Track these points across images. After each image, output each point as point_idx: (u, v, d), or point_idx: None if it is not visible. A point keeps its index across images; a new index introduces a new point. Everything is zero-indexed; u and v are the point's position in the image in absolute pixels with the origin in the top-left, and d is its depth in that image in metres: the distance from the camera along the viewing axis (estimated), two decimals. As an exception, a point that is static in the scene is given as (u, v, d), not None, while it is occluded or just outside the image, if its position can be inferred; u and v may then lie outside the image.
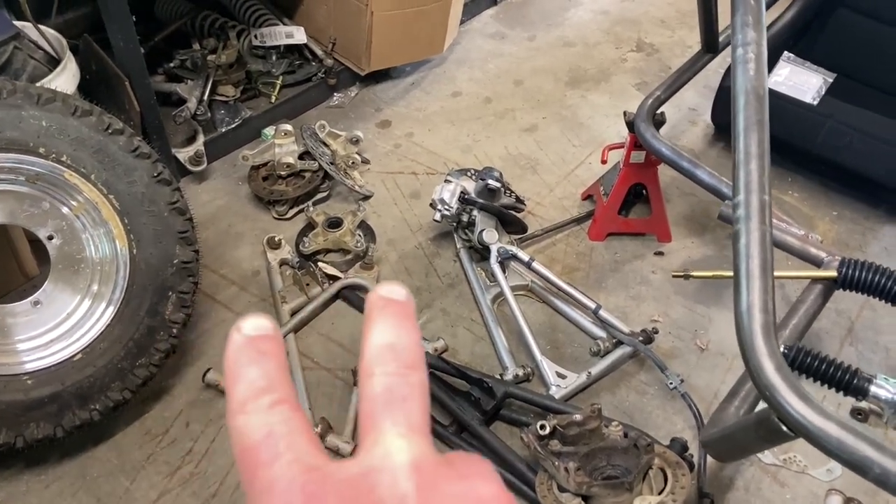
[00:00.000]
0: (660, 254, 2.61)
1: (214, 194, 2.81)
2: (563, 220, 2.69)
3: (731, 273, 1.96)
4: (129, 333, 1.90)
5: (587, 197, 2.80)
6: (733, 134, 1.27)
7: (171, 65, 2.95)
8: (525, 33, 3.77)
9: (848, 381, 1.54)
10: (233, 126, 2.90)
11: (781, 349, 1.59)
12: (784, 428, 1.08)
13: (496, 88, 3.38)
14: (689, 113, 3.23)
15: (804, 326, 1.73)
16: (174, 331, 1.98)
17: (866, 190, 2.75)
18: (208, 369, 2.15)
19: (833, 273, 1.81)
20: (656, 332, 2.25)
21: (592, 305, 2.27)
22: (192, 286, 2.01)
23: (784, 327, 1.71)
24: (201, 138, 2.80)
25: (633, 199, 2.68)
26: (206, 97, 2.84)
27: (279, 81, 3.06)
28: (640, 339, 2.21)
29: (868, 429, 1.96)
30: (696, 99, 3.26)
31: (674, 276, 1.99)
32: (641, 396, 2.18)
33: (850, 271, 1.79)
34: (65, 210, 1.91)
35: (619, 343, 2.23)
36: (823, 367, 1.55)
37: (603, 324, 2.28)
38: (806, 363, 1.57)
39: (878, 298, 1.79)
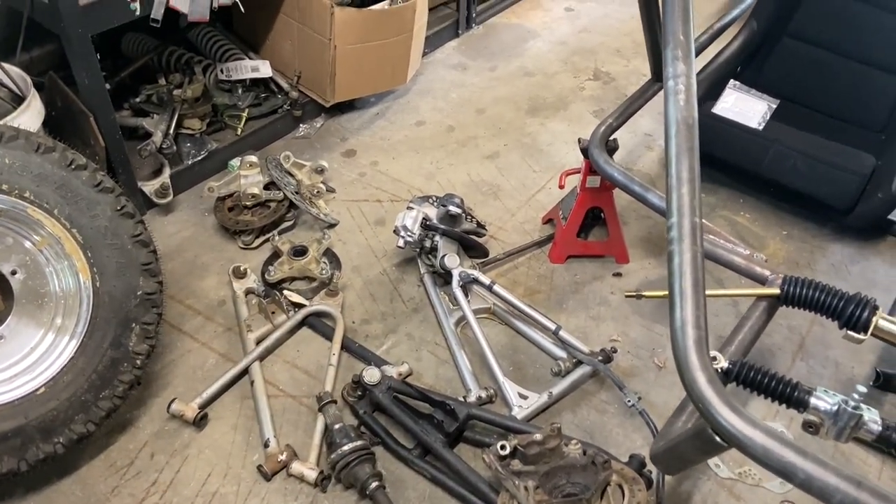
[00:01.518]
0: (618, 275, 2.69)
1: (181, 226, 2.84)
2: (524, 244, 2.76)
3: (680, 292, 2.04)
4: (93, 366, 1.92)
5: (547, 221, 2.88)
6: (666, 160, 1.35)
7: (138, 100, 2.99)
8: (486, 64, 3.88)
9: (789, 394, 1.60)
10: (199, 158, 2.94)
11: (726, 364, 1.66)
12: (717, 438, 1.14)
13: (459, 117, 3.47)
14: (645, 138, 3.34)
15: (749, 342, 1.81)
16: (138, 362, 2.00)
17: (815, 210, 2.87)
18: (173, 400, 2.16)
19: (776, 290, 1.89)
20: (615, 352, 2.32)
21: (553, 326, 2.33)
22: (155, 317, 2.04)
23: (730, 343, 1.78)
24: (167, 171, 2.83)
25: (591, 223, 2.76)
26: (171, 131, 2.88)
27: (245, 114, 3.12)
28: (600, 358, 2.27)
29: (819, 441, 2.04)
30: (651, 125, 3.38)
31: (626, 297, 2.06)
32: (602, 415, 2.23)
33: (792, 288, 1.88)
34: (28, 245, 1.93)
35: (580, 363, 2.29)
36: (766, 380, 1.62)
37: (563, 344, 2.34)
38: (749, 377, 1.63)
39: (818, 314, 1.87)
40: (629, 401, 2.17)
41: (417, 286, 2.62)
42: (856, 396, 1.56)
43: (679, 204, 1.25)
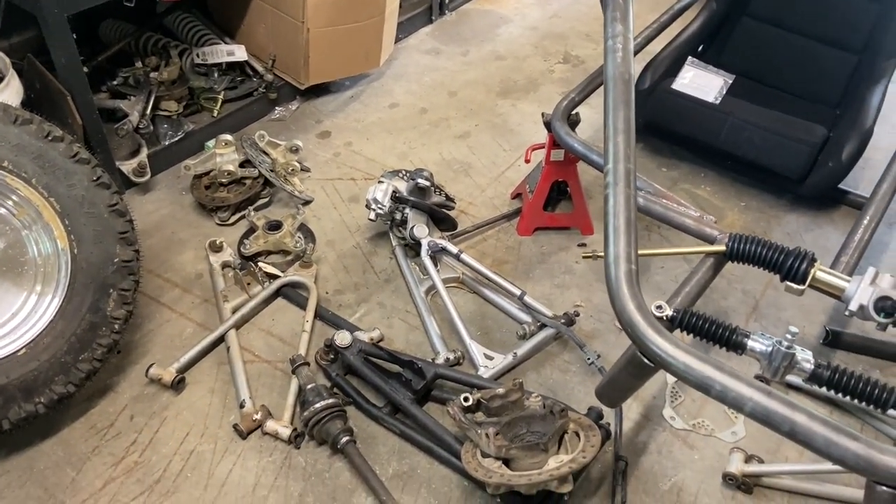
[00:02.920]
0: (583, 245, 2.80)
1: (159, 204, 2.92)
2: (493, 217, 2.86)
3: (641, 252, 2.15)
4: (72, 329, 2.00)
5: (516, 196, 2.98)
6: (605, 112, 1.45)
7: (115, 82, 3.06)
8: (459, 49, 3.97)
9: (728, 338, 1.71)
10: (176, 139, 3.02)
11: (671, 312, 1.76)
12: (645, 360, 1.23)
13: (432, 100, 3.56)
14: (612, 117, 3.44)
15: (695, 294, 1.91)
16: (116, 326, 2.08)
17: (771, 182, 2.99)
18: (151, 364, 2.24)
19: (722, 247, 2.00)
20: (578, 315, 2.42)
21: (518, 292, 2.43)
22: (132, 284, 2.12)
23: (677, 295, 1.89)
24: (145, 151, 2.91)
25: (557, 196, 2.87)
26: (148, 112, 2.96)
27: (221, 97, 3.20)
28: (563, 321, 2.37)
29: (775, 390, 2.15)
30: (617, 104, 3.48)
31: (584, 257, 2.16)
32: (564, 374, 2.34)
33: (736, 245, 1.98)
34: (7, 213, 2.00)
35: (544, 326, 2.39)
36: (706, 325, 1.72)
37: (528, 309, 2.44)
38: (692, 323, 1.73)
39: (762, 268, 1.98)
40: (589, 359, 2.28)
41: (389, 258, 2.72)
42: (789, 337, 1.67)
43: (615, 151, 1.35)
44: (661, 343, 1.18)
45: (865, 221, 2.15)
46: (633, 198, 1.32)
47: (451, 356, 2.31)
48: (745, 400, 1.11)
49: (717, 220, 2.91)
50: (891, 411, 1.65)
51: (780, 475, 2.02)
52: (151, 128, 2.95)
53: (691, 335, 1.76)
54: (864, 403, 1.65)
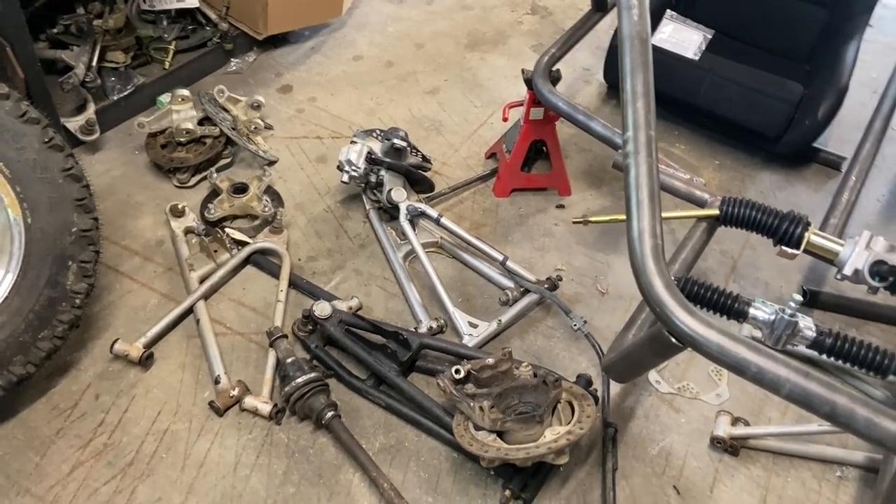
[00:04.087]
0: (561, 207, 2.74)
1: (110, 165, 2.71)
2: (469, 179, 2.76)
3: (623, 216, 2.10)
4: (29, 305, 1.84)
5: (491, 155, 2.88)
6: (621, 76, 1.36)
7: (55, 30, 2.79)
8: (423, -3, 3.80)
9: (730, 306, 1.68)
10: (125, 94, 2.80)
11: (672, 280, 1.73)
12: (673, 340, 1.19)
13: (397, 52, 3.40)
14: (584, 73, 3.36)
15: (692, 260, 1.88)
16: (77, 301, 1.92)
17: (745, 140, 2.97)
18: (116, 340, 2.10)
19: (715, 211, 1.97)
20: (560, 280, 2.37)
21: (500, 257, 2.36)
22: (93, 255, 1.96)
23: (674, 262, 1.85)
24: (92, 107, 2.68)
25: (534, 156, 2.79)
26: (94, 63, 2.71)
27: (172, 47, 2.97)
28: (546, 286, 2.32)
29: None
30: (589, 60, 3.40)
31: (574, 223, 2.10)
32: (548, 340, 2.30)
33: (730, 209, 1.95)
34: (-52, 180, 1.81)
35: (527, 291, 2.34)
36: (709, 294, 1.69)
37: (510, 274, 2.37)
38: (694, 291, 1.70)
39: (756, 232, 1.96)
40: (575, 325, 2.24)
41: (363, 222, 2.60)
42: (792, 305, 1.65)
43: (634, 118, 1.27)
44: (693, 324, 1.13)
45: (851, 182, 2.15)
46: (655, 168, 1.25)
47: (434, 324, 2.24)
48: (782, 382, 1.07)
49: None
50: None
51: (766, 437, 2.04)
52: (99, 81, 2.71)
53: (693, 302, 1.73)
54: (865, 370, 1.66)
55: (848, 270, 1.84)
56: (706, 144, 3.04)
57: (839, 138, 3.06)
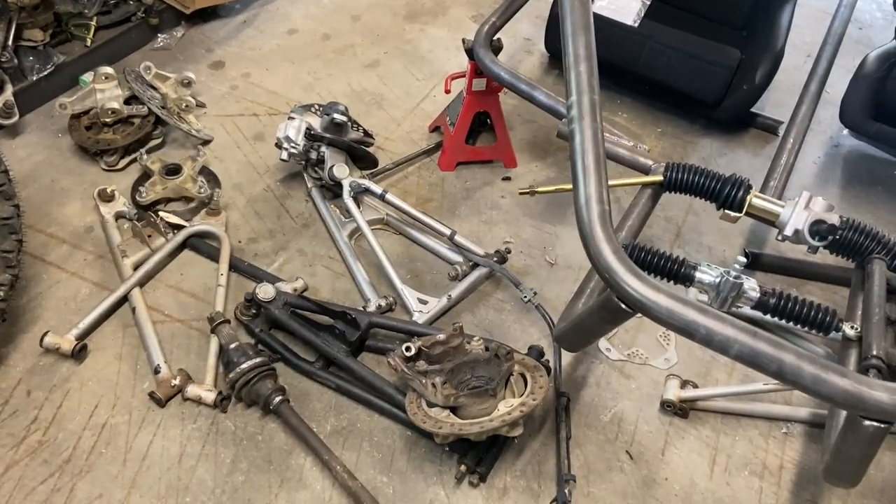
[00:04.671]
0: (507, 179, 2.71)
1: (31, 149, 2.56)
2: (413, 153, 2.70)
3: (570, 186, 2.08)
4: (-54, 301, 1.71)
5: (434, 129, 2.83)
6: (562, 38, 1.33)
7: (-38, 7, 2.61)
8: (359, -33, 3.68)
9: (677, 271, 1.70)
10: (45, 73, 2.64)
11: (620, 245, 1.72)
12: (623, 305, 1.17)
13: (333, 24, 3.30)
14: (525, 43, 3.32)
15: (637, 227, 1.88)
16: (1, 294, 1.80)
17: (685, 107, 2.99)
18: (46, 332, 1.98)
19: (659, 178, 1.97)
20: (509, 252, 2.35)
21: (448, 232, 2.32)
22: (15, 244, 1.84)
23: (620, 230, 1.84)
24: (10, 88, 2.52)
25: (478, 129, 2.75)
26: (10, 42, 2.54)
27: (93, 23, 2.80)
28: (495, 259, 2.30)
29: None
30: (529, 29, 3.37)
31: (520, 193, 2.07)
32: (499, 313, 2.28)
33: (674, 174, 1.95)
34: None
35: (476, 265, 2.31)
36: (656, 259, 1.70)
37: (459, 249, 2.34)
38: (641, 257, 1.70)
39: (699, 197, 1.97)
40: (525, 296, 2.22)
41: (305, 201, 2.52)
42: (736, 267, 1.67)
43: (577, 82, 1.24)
44: (643, 289, 1.11)
45: (789, 145, 2.18)
46: (600, 132, 1.23)
47: (383, 302, 2.19)
48: (731, 342, 1.06)
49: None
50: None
51: (714, 398, 2.07)
52: (15, 61, 2.54)
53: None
54: (808, 328, 1.69)
55: (789, 231, 1.87)
56: (648, 112, 3.05)
57: (776, 102, 3.11)
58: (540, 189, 2.03)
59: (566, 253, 2.47)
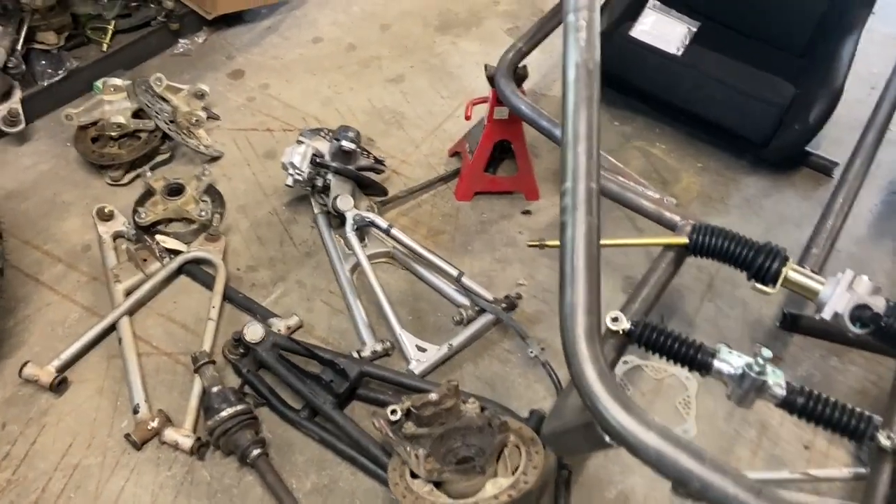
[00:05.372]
0: (527, 213, 2.53)
1: (38, 158, 2.49)
2: (427, 181, 2.55)
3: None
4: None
5: (454, 153, 2.67)
6: (562, 112, 1.15)
7: (-22, 8, 2.55)
8: (393, -29, 3.52)
9: (692, 357, 1.50)
10: (57, 79, 2.57)
11: (628, 325, 1.54)
12: (606, 437, 1.01)
13: (361, 34, 3.15)
14: (561, 60, 3.10)
15: (654, 297, 1.69)
16: (-27, 327, 1.73)
17: (732, 141, 2.75)
18: (26, 362, 1.91)
19: (684, 239, 1.77)
20: (520, 298, 2.19)
21: (455, 273, 2.17)
22: (-8, 274, 1.76)
23: (635, 299, 1.66)
24: (17, 94, 2.46)
25: (499, 156, 2.57)
26: (19, 46, 2.47)
27: (112, 26, 2.72)
28: (504, 305, 2.14)
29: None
30: (568, 46, 3.15)
31: (528, 246, 1.90)
32: (504, 365, 2.12)
33: (701, 237, 1.75)
34: None
35: (483, 311, 2.15)
36: (668, 342, 1.51)
37: (466, 291, 2.19)
38: (651, 339, 1.52)
39: (728, 265, 1.77)
40: (531, 351, 2.06)
41: (311, 227, 2.40)
42: (760, 361, 1.47)
43: (574, 165, 1.07)
44: (629, 423, 0.95)
45: (838, 205, 1.95)
46: (595, 228, 1.06)
47: (380, 347, 2.06)
48: (730, 501, 0.89)
49: (671, 183, 2.69)
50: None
51: (733, 482, 1.88)
52: (23, 66, 2.47)
53: (650, 351, 1.55)
54: (839, 434, 1.49)
55: (827, 313, 1.66)
56: (689, 144, 2.82)
57: (833, 139, 2.84)
58: (550, 243, 1.85)
59: (584, 300, 2.29)
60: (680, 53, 2.58)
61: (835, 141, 2.84)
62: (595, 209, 1.06)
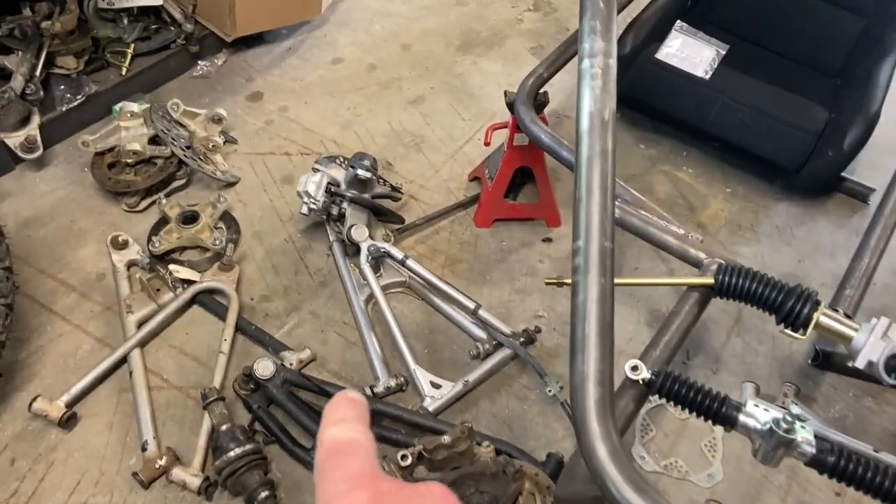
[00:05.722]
0: (548, 240, 2.46)
1: (55, 184, 2.49)
2: (446, 207, 2.49)
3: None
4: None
5: (474, 178, 2.61)
6: (575, 164, 1.08)
7: (-1, 33, 2.56)
8: (415, -11, 3.48)
9: (717, 410, 1.42)
10: (76, 104, 2.56)
11: (648, 374, 1.46)
12: (619, 521, 0.94)
13: (381, 54, 3.11)
14: (586, 81, 3.03)
15: (677, 342, 1.61)
16: (-18, 363, 1.71)
17: (762, 166, 2.65)
18: (36, 397, 1.89)
19: (710, 280, 1.69)
20: (539, 332, 2.11)
21: (471, 305, 2.11)
22: (2, 310, 1.74)
23: (656, 345, 1.58)
24: (36, 120, 2.46)
25: (520, 181, 2.51)
26: (38, 72, 2.47)
27: (131, 50, 2.72)
28: (522, 339, 2.07)
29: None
30: (592, 65, 3.08)
31: (546, 283, 1.83)
32: (521, 402, 2.05)
33: (727, 279, 1.67)
34: None
35: (500, 345, 2.09)
36: (690, 394, 1.43)
37: (483, 324, 2.12)
38: (672, 390, 1.44)
39: (756, 307, 1.68)
40: (550, 390, 1.98)
41: (326, 255, 2.36)
42: (788, 419, 1.38)
43: (587, 223, 1.00)
44: (641, 509, 0.87)
45: (873, 241, 1.85)
46: (609, 291, 0.99)
47: (393, 383, 2.00)
48: None
49: (698, 209, 2.60)
50: None
51: (761, 535, 1.79)
52: (41, 93, 2.47)
53: (671, 403, 1.47)
54: (874, 496, 1.40)
55: (861, 362, 1.56)
56: (717, 168, 2.73)
57: (868, 163, 2.73)
58: (568, 281, 1.77)
59: (606, 334, 2.21)
60: (708, 77, 2.49)
61: (870, 164, 2.72)
62: (609, 270, 0.99)
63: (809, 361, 2.16)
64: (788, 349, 2.22)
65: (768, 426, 1.40)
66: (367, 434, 0.53)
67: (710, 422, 1.46)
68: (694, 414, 1.46)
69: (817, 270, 2.44)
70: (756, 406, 1.45)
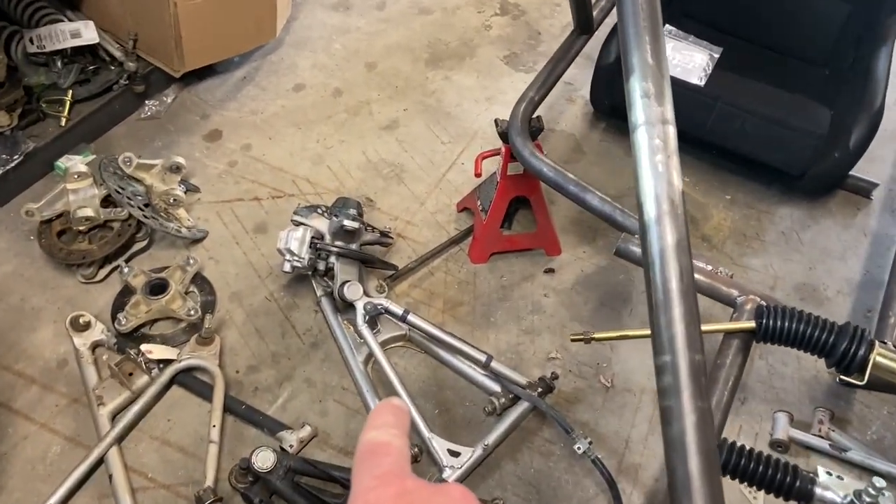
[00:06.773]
0: (550, 271, 2.30)
1: (-1, 258, 2.22)
2: (438, 245, 2.30)
3: (636, 332, 1.67)
4: None
5: (463, 209, 2.42)
6: (644, 262, 0.91)
7: (-85, 91, 2.26)
8: (373, 1, 3.25)
9: (790, 485, 1.29)
10: (13, 164, 2.29)
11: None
12: None
13: (346, 75, 2.88)
14: (566, 88, 2.87)
15: (729, 397, 1.46)
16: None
17: (762, 170, 2.52)
18: (5, 520, 1.66)
19: (751, 324, 1.54)
20: (556, 378, 1.95)
21: (482, 358, 1.94)
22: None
23: (711, 389, 1.43)
24: (-32, 188, 2.18)
25: (514, 209, 2.34)
26: (-36, 135, 2.19)
27: (69, 97, 2.43)
28: (540, 389, 1.90)
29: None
30: (571, 72, 2.87)
31: (572, 340, 1.66)
32: (546, 459, 1.89)
33: (770, 322, 1.53)
34: None
35: (517, 398, 1.92)
36: (760, 469, 1.29)
37: (496, 377, 1.95)
38: (741, 466, 1.30)
39: (804, 352, 1.55)
40: (579, 447, 1.82)
41: (314, 311, 2.15)
42: (871, 492, 1.25)
43: (670, 335, 0.83)
44: None
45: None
46: (709, 416, 0.82)
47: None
48: None
49: (700, 221, 2.47)
50: None
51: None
52: (-31, 157, 2.19)
53: (739, 481, 1.33)
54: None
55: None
56: (714, 175, 2.59)
57: (867, 155, 2.60)
58: (598, 336, 1.62)
59: (625, 371, 2.07)
60: (703, 83, 2.34)
61: (868, 156, 2.59)
62: (704, 389, 0.82)
63: (838, 380, 2.06)
64: (815, 368, 2.11)
65: (849, 499, 1.27)
66: (403, 438, 0.57)
67: (784, 499, 1.33)
68: (765, 491, 1.32)
69: (830, 278, 2.33)
70: (829, 475, 1.32)
